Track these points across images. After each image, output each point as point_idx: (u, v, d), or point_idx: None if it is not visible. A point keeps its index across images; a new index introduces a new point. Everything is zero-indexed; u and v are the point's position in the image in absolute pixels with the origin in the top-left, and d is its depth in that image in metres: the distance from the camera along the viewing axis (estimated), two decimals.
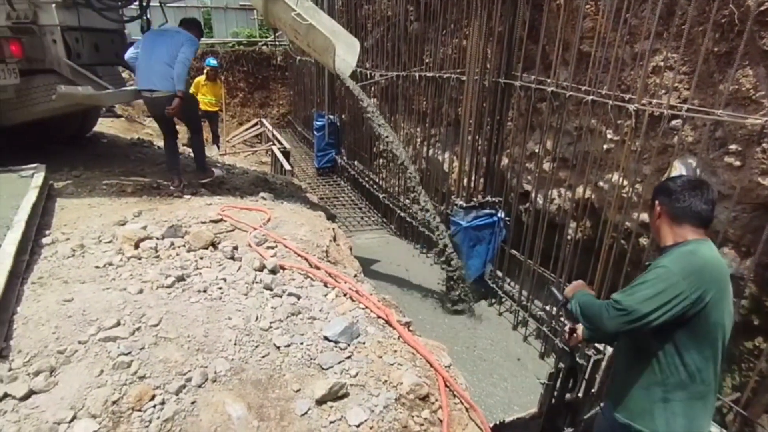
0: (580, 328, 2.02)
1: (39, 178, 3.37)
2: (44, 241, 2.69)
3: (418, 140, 6.31)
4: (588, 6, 3.43)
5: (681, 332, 1.62)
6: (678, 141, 2.93)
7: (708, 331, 1.64)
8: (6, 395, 1.52)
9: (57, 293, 2.12)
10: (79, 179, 4.03)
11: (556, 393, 2.74)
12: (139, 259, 2.56)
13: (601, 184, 3.63)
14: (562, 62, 3.70)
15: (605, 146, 3.49)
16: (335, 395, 1.70)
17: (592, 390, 2.96)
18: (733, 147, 2.72)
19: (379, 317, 2.28)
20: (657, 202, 1.80)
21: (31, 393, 1.54)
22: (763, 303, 2.75)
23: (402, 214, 6.30)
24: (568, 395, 2.70)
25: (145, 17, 5.00)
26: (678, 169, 3.09)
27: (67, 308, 1.99)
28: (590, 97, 3.30)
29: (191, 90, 8.64)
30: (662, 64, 2.95)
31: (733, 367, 2.96)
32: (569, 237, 3.80)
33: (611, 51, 3.17)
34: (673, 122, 2.97)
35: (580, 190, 3.63)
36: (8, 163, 3.68)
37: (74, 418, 1.46)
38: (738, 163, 2.71)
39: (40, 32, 3.83)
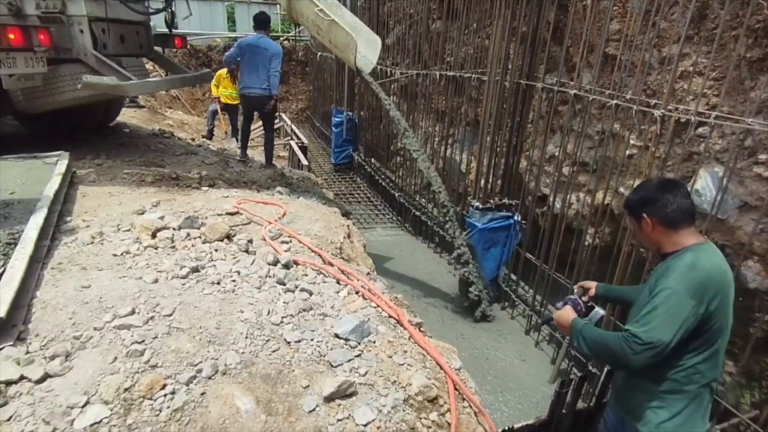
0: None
1: (62, 166, 3.44)
2: (65, 227, 2.74)
3: (436, 139, 6.27)
4: (615, 8, 3.35)
5: (684, 339, 1.60)
6: (704, 149, 2.85)
7: (710, 335, 1.65)
8: (22, 377, 1.55)
9: (75, 279, 2.16)
10: (101, 167, 4.10)
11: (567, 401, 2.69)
12: (156, 248, 2.59)
13: (621, 190, 3.55)
14: (585, 65, 3.63)
15: (627, 152, 3.42)
16: (343, 393, 1.69)
17: (605, 400, 2.90)
18: (763, 157, 2.64)
19: (390, 316, 2.27)
20: (645, 215, 1.75)
21: (46, 376, 1.57)
22: None
23: (417, 213, 6.28)
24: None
25: (170, 9, 5.07)
26: (703, 177, 3.01)
27: (84, 294, 2.02)
28: (614, 101, 3.22)
29: (213, 83, 8.75)
30: (691, 69, 2.87)
31: (753, 383, 2.87)
32: (587, 243, 3.73)
33: (638, 54, 3.09)
34: (700, 129, 2.89)
35: (599, 195, 3.56)
36: (33, 150, 3.77)
37: (87, 403, 1.48)
38: None
39: (68, 22, 3.90)
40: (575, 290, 2.25)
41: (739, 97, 2.74)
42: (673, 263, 1.67)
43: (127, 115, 7.07)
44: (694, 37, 2.89)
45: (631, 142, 3.38)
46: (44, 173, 3.33)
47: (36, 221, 2.49)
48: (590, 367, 3.34)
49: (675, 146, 3.02)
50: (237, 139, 9.01)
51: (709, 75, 2.82)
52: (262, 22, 5.34)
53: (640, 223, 1.78)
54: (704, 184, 2.98)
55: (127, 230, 2.79)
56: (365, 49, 4.21)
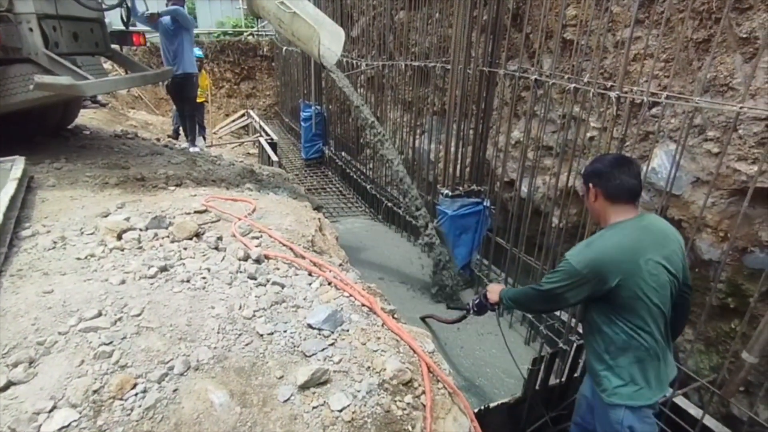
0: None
1: (18, 171, 3.31)
2: (24, 233, 2.64)
3: (405, 130, 6.31)
4: None
5: (603, 307, 1.85)
6: (658, 128, 2.97)
7: (626, 305, 1.81)
8: None
9: (37, 285, 2.10)
10: (61, 171, 3.96)
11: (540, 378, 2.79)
12: (122, 250, 2.54)
13: None
14: (545, 50, 3.71)
15: (588, 134, 3.52)
16: (318, 381, 1.71)
17: (575, 375, 3.02)
18: (711, 134, 2.77)
19: (363, 305, 2.29)
20: (591, 185, 1.91)
21: (9, 384, 1.53)
22: (738, 286, 2.82)
23: (389, 204, 6.32)
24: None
25: (125, 5, 4.91)
26: (659, 156, 3.14)
27: (47, 300, 1.97)
28: (573, 85, 3.32)
29: None
30: (643, 51, 2.98)
31: (711, 349, 3.03)
32: (554, 224, 3.84)
33: (594, 39, 3.19)
34: (654, 109, 3.01)
35: (564, 177, 3.67)
36: None
37: (54, 407, 1.45)
38: (716, 149, 2.76)
39: (16, 20, 3.73)
40: None
41: (688, 77, 2.86)
42: (590, 237, 1.93)
43: (86, 117, 6.82)
44: (645, 20, 3.00)
45: (591, 124, 3.49)
46: None
47: None
48: (561, 344, 3.46)
49: (632, 127, 3.14)
50: (204, 138, 8.86)
51: (659, 57, 2.93)
52: None
53: (587, 192, 1.95)
54: (660, 162, 3.11)
55: (91, 233, 2.72)
56: (329, 41, 4.18)
